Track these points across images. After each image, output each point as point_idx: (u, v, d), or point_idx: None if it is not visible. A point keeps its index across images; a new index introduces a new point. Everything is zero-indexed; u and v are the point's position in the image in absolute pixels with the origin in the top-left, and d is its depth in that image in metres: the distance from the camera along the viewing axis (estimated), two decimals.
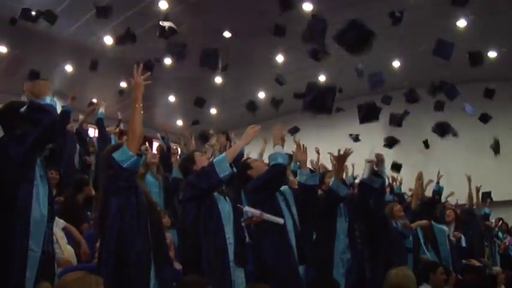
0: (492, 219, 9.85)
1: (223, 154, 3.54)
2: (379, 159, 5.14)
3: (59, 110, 6.77)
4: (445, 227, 7.20)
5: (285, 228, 3.91)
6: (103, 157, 3.27)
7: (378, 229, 5.05)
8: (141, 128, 3.13)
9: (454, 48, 8.18)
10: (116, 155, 3.02)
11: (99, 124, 8.13)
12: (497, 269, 6.11)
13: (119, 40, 9.26)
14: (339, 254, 4.45)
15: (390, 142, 9.99)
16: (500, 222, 10.09)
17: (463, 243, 7.35)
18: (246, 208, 3.67)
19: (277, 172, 4.05)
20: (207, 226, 3.32)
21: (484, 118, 10.07)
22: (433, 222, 6.72)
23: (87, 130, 8.91)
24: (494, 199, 10.20)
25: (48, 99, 2.92)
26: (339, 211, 4.63)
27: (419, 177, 7.37)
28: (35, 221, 2.78)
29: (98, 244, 3.81)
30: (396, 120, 9.78)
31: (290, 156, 6.01)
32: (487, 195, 9.79)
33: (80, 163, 7.29)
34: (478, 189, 8.67)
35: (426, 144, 11.31)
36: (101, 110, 8.28)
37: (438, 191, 8.90)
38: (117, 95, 12.47)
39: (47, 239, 2.89)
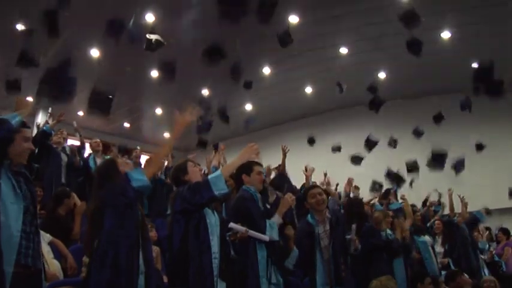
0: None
1: (219, 171, 3.45)
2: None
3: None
4: (427, 238, 7.18)
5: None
6: (107, 166, 3.30)
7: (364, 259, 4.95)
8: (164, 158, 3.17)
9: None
10: (131, 172, 3.06)
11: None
12: (485, 277, 6.10)
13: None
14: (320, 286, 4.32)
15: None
16: (487, 232, 10.06)
17: (452, 267, 7.26)
18: (232, 224, 3.66)
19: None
20: (195, 239, 3.29)
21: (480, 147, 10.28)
22: (414, 236, 6.72)
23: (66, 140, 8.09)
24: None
25: (15, 117, 2.86)
26: (316, 241, 4.41)
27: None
28: (4, 239, 2.71)
29: (84, 258, 3.79)
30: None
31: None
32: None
33: (67, 178, 7.20)
34: (461, 199, 8.71)
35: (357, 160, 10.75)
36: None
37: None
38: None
39: (33, 254, 2.82)
